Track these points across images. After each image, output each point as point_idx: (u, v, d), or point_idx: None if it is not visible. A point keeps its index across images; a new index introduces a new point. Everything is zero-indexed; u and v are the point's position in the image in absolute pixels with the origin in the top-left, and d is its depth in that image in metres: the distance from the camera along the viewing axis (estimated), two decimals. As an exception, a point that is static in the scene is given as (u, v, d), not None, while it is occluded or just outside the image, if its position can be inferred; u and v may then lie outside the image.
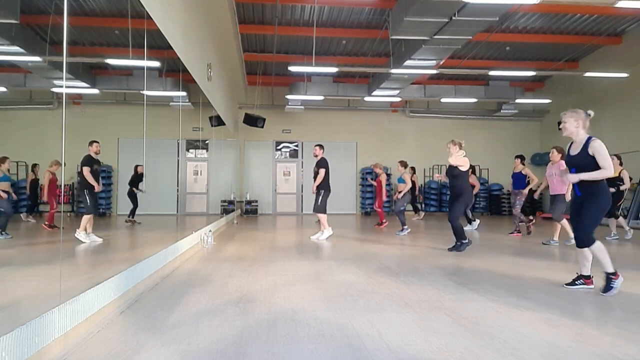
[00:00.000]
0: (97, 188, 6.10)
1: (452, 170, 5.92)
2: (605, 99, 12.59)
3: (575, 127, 3.57)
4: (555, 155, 6.78)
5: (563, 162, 6.50)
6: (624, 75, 11.10)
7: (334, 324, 2.66)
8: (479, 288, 3.66)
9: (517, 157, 8.25)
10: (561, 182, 6.53)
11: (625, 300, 3.32)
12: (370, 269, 4.56)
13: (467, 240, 5.94)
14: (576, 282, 3.67)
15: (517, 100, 14.08)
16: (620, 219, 7.70)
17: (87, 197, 6.06)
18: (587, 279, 3.66)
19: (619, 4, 7.14)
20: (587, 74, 11.60)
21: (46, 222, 6.96)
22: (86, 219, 5.95)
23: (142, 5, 3.87)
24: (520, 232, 8.05)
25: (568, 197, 6.54)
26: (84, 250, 5.69)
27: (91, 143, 6.19)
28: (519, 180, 7.98)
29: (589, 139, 3.50)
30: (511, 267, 4.74)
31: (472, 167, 9.65)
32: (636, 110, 11.56)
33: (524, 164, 8.13)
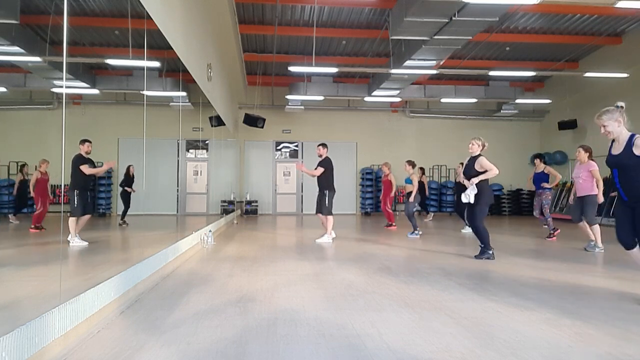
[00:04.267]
0: (106, 166, 5.76)
1: (469, 171, 5.46)
2: (605, 99, 12.56)
3: (618, 127, 3.26)
4: (582, 155, 6.25)
5: (593, 162, 6.15)
6: (624, 75, 11.09)
7: (334, 324, 2.66)
8: (479, 288, 3.66)
9: (536, 156, 8.00)
10: (589, 182, 6.07)
11: (625, 301, 3.32)
12: (371, 269, 4.56)
13: (491, 252, 5.36)
14: None
15: (517, 101, 14.08)
16: None
17: (75, 198, 5.89)
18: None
19: (619, 4, 7.14)
20: (587, 74, 11.59)
21: (32, 225, 6.75)
22: (73, 221, 5.80)
23: (142, 5, 3.87)
24: (554, 233, 7.43)
25: (601, 199, 6.05)
26: (83, 251, 5.68)
27: (83, 142, 6.03)
28: (542, 180, 7.66)
29: (632, 136, 3.21)
30: (511, 267, 4.74)
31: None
32: (636, 111, 11.51)
33: (545, 163, 7.88)
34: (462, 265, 4.83)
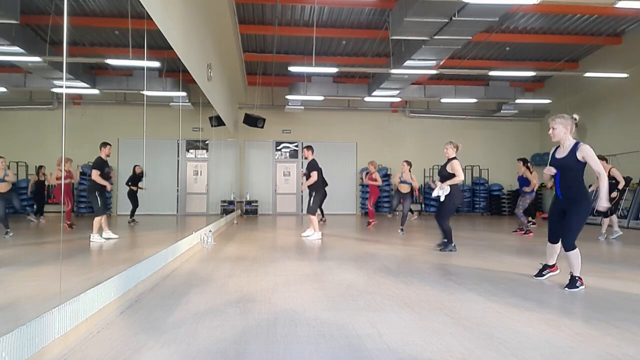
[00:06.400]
0: (109, 187, 6.10)
1: (442, 172, 5.90)
2: (605, 99, 12.59)
3: (565, 133, 3.69)
4: None
5: None
6: (624, 75, 11.10)
7: (334, 324, 2.66)
8: (479, 288, 3.66)
9: (519, 160, 8.35)
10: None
11: (625, 301, 3.32)
12: (370, 269, 4.56)
13: (453, 244, 5.92)
14: (543, 273, 4.04)
15: (517, 101, 14.09)
16: (614, 217, 7.71)
17: (98, 199, 6.06)
18: (551, 267, 4.06)
19: (619, 4, 7.14)
20: (587, 74, 11.59)
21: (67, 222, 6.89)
22: (97, 221, 5.95)
23: (142, 6, 3.87)
24: (523, 231, 8.19)
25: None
26: (84, 250, 5.68)
27: (105, 145, 6.19)
28: (523, 184, 8.11)
29: (577, 143, 3.64)
30: (511, 267, 4.73)
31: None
32: (636, 110, 11.56)
33: (526, 167, 8.16)
34: (462, 265, 4.83)
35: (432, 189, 5.99)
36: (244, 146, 15.21)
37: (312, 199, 7.47)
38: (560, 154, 3.72)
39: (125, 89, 11.56)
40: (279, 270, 4.50)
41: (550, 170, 3.73)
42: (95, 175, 5.96)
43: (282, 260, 5.11)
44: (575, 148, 3.60)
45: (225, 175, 12.77)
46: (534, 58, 12.98)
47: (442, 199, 5.72)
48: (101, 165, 6.06)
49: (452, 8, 7.43)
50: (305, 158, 7.63)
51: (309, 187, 7.48)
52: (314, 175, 7.37)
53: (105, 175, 6.15)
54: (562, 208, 3.73)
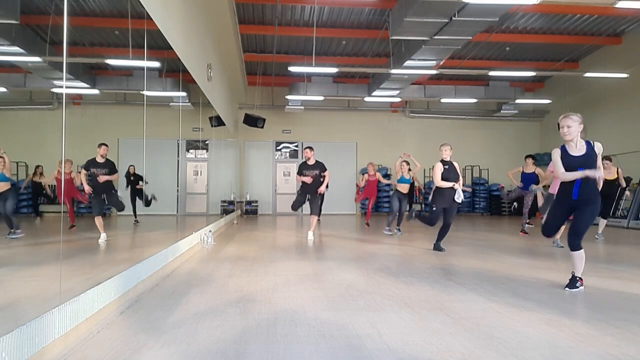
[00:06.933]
0: (87, 190, 6.00)
1: (456, 175, 5.77)
2: (605, 99, 12.59)
3: (578, 132, 3.62)
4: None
5: None
6: (624, 75, 11.10)
7: (334, 324, 2.66)
8: (479, 288, 3.66)
9: (528, 157, 8.16)
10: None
11: (625, 301, 3.32)
12: (370, 269, 4.56)
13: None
14: (577, 285, 3.61)
15: (517, 101, 14.09)
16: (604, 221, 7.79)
17: (91, 200, 6.08)
18: (581, 279, 3.68)
19: (619, 4, 7.14)
20: (587, 74, 11.59)
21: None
22: (96, 220, 5.96)
23: (142, 6, 3.88)
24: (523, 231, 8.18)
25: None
26: (82, 250, 5.68)
27: (99, 145, 6.21)
28: (532, 181, 7.85)
29: (589, 141, 3.64)
30: (511, 267, 4.73)
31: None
32: (636, 110, 11.56)
33: (535, 165, 8.05)
34: (462, 265, 4.83)
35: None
36: (244, 146, 15.21)
37: (320, 199, 7.42)
38: (576, 152, 3.60)
39: (125, 89, 11.54)
40: (279, 270, 4.50)
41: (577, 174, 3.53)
42: (81, 174, 5.99)
43: (282, 260, 5.11)
44: (591, 144, 3.58)
45: (225, 175, 12.77)
46: (534, 58, 12.98)
47: (460, 200, 5.73)
48: (86, 165, 6.07)
49: (452, 8, 7.43)
50: (307, 159, 7.45)
51: (318, 187, 7.28)
52: (328, 175, 7.33)
53: (92, 176, 6.09)
54: (573, 207, 3.64)
